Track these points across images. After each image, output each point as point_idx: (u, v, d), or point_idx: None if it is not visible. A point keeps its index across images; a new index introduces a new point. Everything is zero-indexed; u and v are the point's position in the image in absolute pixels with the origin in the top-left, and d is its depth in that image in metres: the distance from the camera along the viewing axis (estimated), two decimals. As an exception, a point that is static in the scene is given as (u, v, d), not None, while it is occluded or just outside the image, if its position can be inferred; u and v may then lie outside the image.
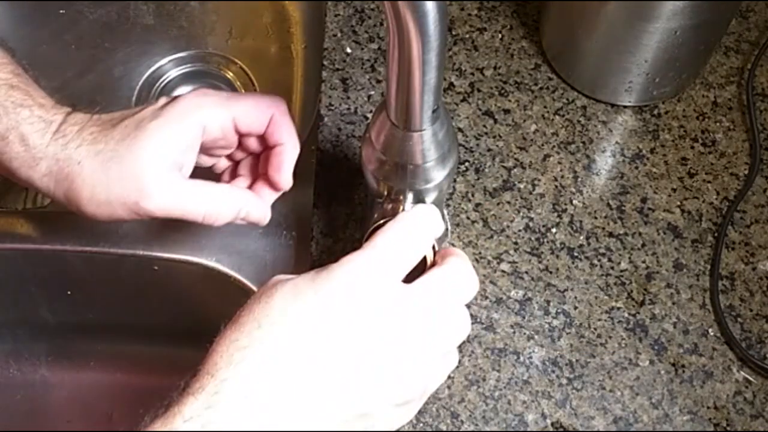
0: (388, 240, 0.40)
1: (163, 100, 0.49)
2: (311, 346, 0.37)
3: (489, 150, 0.67)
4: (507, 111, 0.69)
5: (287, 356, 0.36)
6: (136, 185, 0.46)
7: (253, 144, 0.52)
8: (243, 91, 0.76)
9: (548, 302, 0.61)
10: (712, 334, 0.60)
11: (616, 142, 0.68)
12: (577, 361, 0.59)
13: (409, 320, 0.38)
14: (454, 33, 0.73)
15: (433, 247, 0.49)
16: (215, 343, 0.38)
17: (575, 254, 0.63)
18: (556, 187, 0.66)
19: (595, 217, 0.65)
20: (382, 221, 0.48)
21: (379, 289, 0.38)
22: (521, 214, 0.65)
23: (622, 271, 0.62)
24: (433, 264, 0.43)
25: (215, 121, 0.48)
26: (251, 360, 0.36)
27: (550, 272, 0.62)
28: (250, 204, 0.51)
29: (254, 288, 0.62)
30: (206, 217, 0.49)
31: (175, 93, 0.78)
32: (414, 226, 0.41)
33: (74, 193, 0.47)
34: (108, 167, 0.46)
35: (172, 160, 0.47)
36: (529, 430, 0.57)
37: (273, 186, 0.52)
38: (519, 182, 0.66)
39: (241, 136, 0.51)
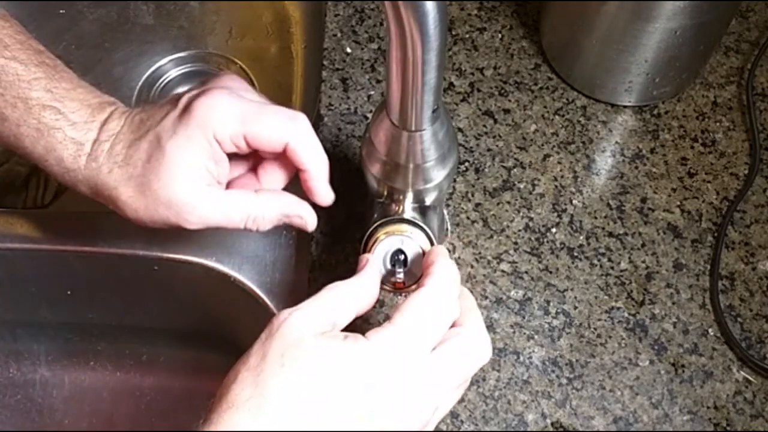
0: (414, 314, 0.41)
1: (182, 103, 0.46)
2: (325, 416, 0.38)
3: (489, 150, 0.67)
4: (507, 111, 0.69)
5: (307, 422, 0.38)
6: (174, 210, 0.46)
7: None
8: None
9: (548, 302, 0.61)
10: (712, 334, 0.60)
11: (616, 142, 0.68)
12: (577, 361, 0.59)
13: (416, 396, 0.40)
14: (454, 33, 0.73)
15: (432, 245, 0.49)
16: (226, 399, 0.38)
17: (575, 254, 0.63)
18: (556, 187, 0.66)
19: (595, 217, 0.65)
20: (382, 221, 0.49)
21: (403, 372, 0.39)
22: (521, 214, 0.65)
23: (622, 271, 0.62)
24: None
25: (226, 135, 0.46)
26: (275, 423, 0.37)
27: (550, 272, 0.62)
28: (290, 209, 0.49)
29: (254, 288, 0.62)
30: (247, 225, 0.48)
31: (175, 93, 0.77)
32: (439, 300, 0.42)
33: (119, 211, 0.47)
34: (143, 192, 0.46)
35: (201, 177, 0.46)
36: (529, 430, 0.57)
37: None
38: (519, 182, 0.66)
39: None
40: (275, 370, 0.38)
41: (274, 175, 0.50)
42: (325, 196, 0.49)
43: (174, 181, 0.45)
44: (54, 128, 0.46)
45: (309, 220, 0.50)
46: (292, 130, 0.47)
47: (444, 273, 0.43)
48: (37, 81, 0.46)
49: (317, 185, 0.48)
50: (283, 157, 0.49)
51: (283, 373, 0.38)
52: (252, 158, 0.51)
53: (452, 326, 0.43)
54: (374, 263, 0.46)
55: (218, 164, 0.47)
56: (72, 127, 0.47)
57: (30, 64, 0.47)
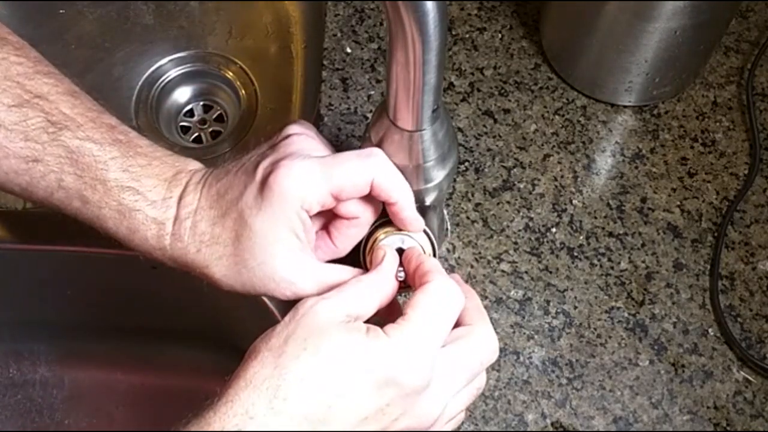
0: (428, 311, 0.42)
1: (259, 176, 0.44)
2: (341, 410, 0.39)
3: (489, 150, 0.67)
4: (507, 111, 0.69)
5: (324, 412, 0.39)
6: (272, 285, 0.45)
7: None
8: (243, 91, 0.76)
9: (548, 302, 0.61)
10: (711, 334, 0.60)
11: (616, 142, 0.68)
12: (576, 361, 0.59)
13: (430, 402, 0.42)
14: (454, 33, 0.73)
15: (432, 245, 0.49)
16: (244, 377, 0.39)
17: (575, 254, 0.63)
18: (556, 186, 0.66)
19: (595, 217, 0.65)
20: (382, 221, 0.49)
21: (419, 370, 0.41)
22: (521, 213, 0.65)
23: (622, 271, 0.62)
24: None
25: (314, 202, 0.45)
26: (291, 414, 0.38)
27: (550, 272, 0.62)
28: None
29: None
30: None
31: (175, 93, 0.77)
32: (443, 301, 0.43)
33: (213, 285, 0.47)
34: (239, 271, 0.45)
35: (295, 248, 0.45)
36: (529, 430, 0.57)
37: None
38: (519, 182, 0.66)
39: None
40: (297, 354, 0.38)
41: (347, 238, 0.49)
42: (418, 223, 0.48)
43: (271, 258, 0.44)
44: (134, 209, 0.45)
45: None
46: (374, 166, 0.45)
47: (441, 270, 0.44)
48: (114, 161, 0.45)
49: (409, 214, 0.47)
50: (357, 217, 0.48)
51: (305, 358, 0.38)
52: (322, 218, 0.50)
53: (459, 325, 0.44)
54: (391, 255, 0.46)
55: (307, 232, 0.46)
56: (151, 206, 0.46)
57: (104, 143, 0.46)
